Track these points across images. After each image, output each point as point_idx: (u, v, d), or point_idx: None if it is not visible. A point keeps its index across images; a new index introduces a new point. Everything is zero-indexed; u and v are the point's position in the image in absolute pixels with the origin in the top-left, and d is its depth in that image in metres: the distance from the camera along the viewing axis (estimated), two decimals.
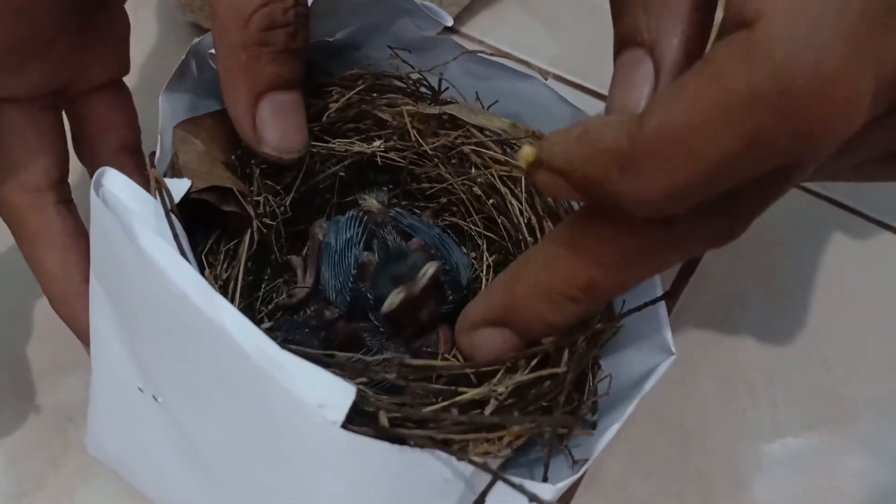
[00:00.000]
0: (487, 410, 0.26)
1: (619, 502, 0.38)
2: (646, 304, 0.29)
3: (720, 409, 0.42)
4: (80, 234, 0.33)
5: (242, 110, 0.29)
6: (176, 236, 0.26)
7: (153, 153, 0.30)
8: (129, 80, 0.51)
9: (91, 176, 0.26)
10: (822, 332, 0.45)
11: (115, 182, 0.26)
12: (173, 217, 0.26)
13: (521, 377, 0.27)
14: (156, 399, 0.27)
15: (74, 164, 0.35)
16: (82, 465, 0.37)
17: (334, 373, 0.23)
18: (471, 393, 0.26)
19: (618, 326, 0.30)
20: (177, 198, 0.27)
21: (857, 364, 0.44)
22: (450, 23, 0.35)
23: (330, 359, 0.27)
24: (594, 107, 0.52)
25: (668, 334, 0.29)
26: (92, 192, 0.25)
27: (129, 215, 0.24)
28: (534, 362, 0.27)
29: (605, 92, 0.54)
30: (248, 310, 0.34)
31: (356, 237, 0.36)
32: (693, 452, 0.40)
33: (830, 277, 0.47)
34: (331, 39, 0.35)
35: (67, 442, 0.37)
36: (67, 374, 0.39)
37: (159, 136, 0.31)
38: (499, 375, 0.27)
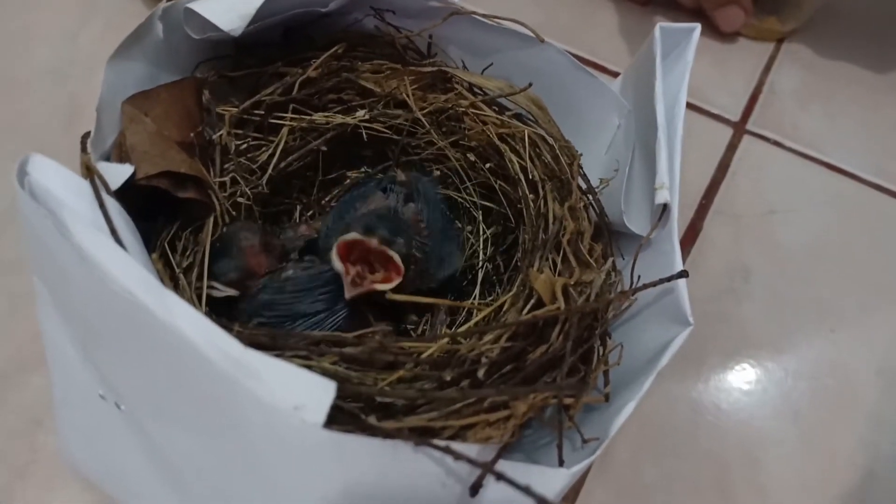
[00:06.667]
0: (480, 372, 0.24)
1: (632, 487, 0.36)
2: (669, 279, 0.27)
3: (729, 385, 0.40)
4: None
5: None
6: (113, 230, 0.22)
7: (87, 134, 0.26)
8: (88, 54, 0.49)
9: None
10: (829, 301, 0.43)
11: (43, 169, 0.22)
12: (109, 206, 0.23)
13: (517, 318, 0.25)
14: (118, 407, 0.24)
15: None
16: (53, 474, 0.34)
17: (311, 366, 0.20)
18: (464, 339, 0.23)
19: (632, 300, 0.28)
20: (115, 184, 0.24)
21: (865, 334, 0.43)
22: None
23: (302, 341, 0.25)
24: None
25: (686, 304, 0.27)
26: (15, 183, 0.22)
27: (61, 207, 0.21)
28: (526, 308, 0.25)
29: (592, 58, 0.53)
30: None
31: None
32: (704, 431, 0.38)
33: (835, 246, 0.46)
34: (323, 10, 0.32)
35: (36, 448, 0.34)
36: (32, 374, 0.36)
37: (97, 113, 0.27)
38: (488, 337, 0.25)
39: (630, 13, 0.55)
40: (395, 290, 0.28)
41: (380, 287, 0.29)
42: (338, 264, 0.28)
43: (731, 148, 0.49)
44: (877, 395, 0.41)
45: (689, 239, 0.45)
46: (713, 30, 0.54)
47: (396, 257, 0.29)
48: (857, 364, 0.41)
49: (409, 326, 0.34)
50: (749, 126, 0.50)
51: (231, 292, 0.28)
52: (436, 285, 0.33)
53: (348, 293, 0.28)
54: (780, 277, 0.44)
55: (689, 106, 0.51)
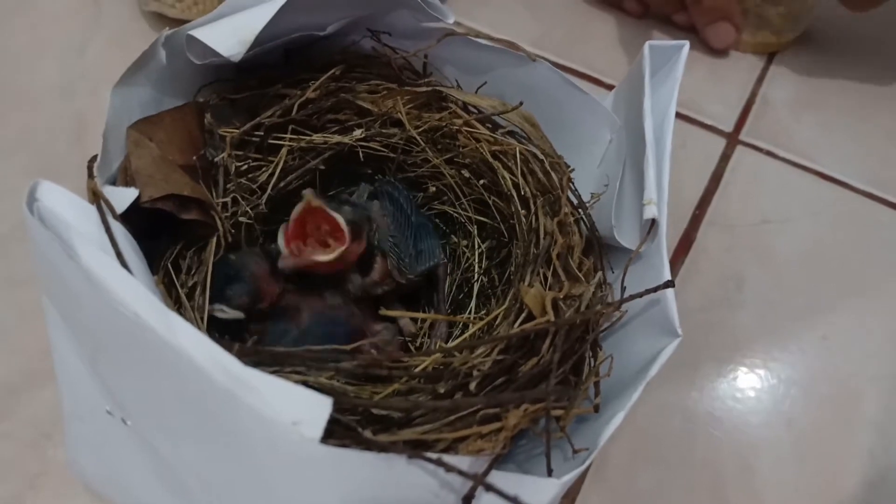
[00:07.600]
0: (472, 385, 0.25)
1: (627, 495, 0.37)
2: (655, 289, 0.28)
3: (723, 392, 0.41)
4: None
5: None
6: (119, 253, 0.23)
7: (93, 158, 0.27)
8: (90, 71, 0.50)
9: None
10: (822, 309, 0.44)
11: (51, 195, 0.23)
12: (115, 230, 0.24)
13: (508, 332, 0.25)
14: (125, 422, 0.25)
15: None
16: (63, 486, 0.35)
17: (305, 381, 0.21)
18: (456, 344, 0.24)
19: (622, 312, 0.29)
20: (121, 208, 0.25)
21: (858, 341, 0.43)
22: (451, 20, 0.33)
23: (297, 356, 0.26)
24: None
25: (675, 315, 0.28)
26: (24, 209, 0.23)
27: (69, 231, 0.22)
28: (518, 321, 0.26)
29: (588, 71, 0.54)
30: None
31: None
32: (699, 439, 0.39)
33: (828, 254, 0.46)
34: (321, 34, 0.33)
35: (46, 461, 0.35)
36: (42, 387, 0.37)
37: (103, 139, 0.28)
38: (480, 350, 0.26)
39: (626, 26, 0.56)
40: (383, 300, 0.29)
41: (320, 258, 0.30)
42: (281, 242, 0.30)
43: (725, 158, 0.50)
44: (870, 401, 0.41)
45: (683, 249, 0.46)
46: (706, 44, 0.55)
47: (340, 220, 0.30)
48: (849, 371, 0.42)
49: (407, 339, 0.35)
50: (742, 136, 0.51)
51: (237, 315, 0.29)
52: (415, 277, 0.34)
53: (282, 263, 0.30)
54: (773, 286, 0.45)
55: (683, 117, 0.52)
